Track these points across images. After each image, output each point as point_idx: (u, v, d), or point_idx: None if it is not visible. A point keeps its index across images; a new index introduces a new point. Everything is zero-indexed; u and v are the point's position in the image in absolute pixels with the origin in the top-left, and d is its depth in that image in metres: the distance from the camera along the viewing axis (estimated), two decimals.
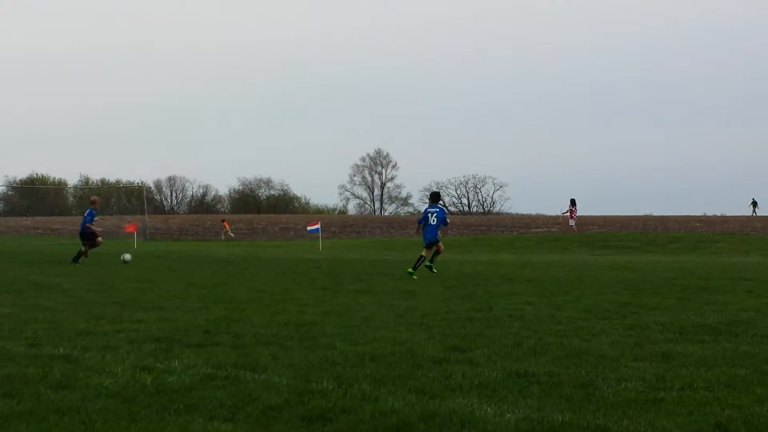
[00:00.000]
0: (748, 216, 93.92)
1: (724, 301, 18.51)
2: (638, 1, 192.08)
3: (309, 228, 57.05)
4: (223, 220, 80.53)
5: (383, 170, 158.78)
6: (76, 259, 33.65)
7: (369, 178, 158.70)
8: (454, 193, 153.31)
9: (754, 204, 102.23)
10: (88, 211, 34.75)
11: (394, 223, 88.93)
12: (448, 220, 28.42)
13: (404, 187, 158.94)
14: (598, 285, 23.27)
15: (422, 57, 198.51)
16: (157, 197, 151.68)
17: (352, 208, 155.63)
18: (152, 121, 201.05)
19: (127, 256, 34.86)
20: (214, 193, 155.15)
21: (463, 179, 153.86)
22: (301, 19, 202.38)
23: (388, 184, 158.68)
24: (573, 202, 65.77)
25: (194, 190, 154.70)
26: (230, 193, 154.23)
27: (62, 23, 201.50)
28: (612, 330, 13.86)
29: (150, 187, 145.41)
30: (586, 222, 79.41)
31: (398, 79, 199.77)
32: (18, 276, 26.22)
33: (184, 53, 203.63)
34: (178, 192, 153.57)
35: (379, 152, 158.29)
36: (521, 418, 8.01)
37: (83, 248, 34.22)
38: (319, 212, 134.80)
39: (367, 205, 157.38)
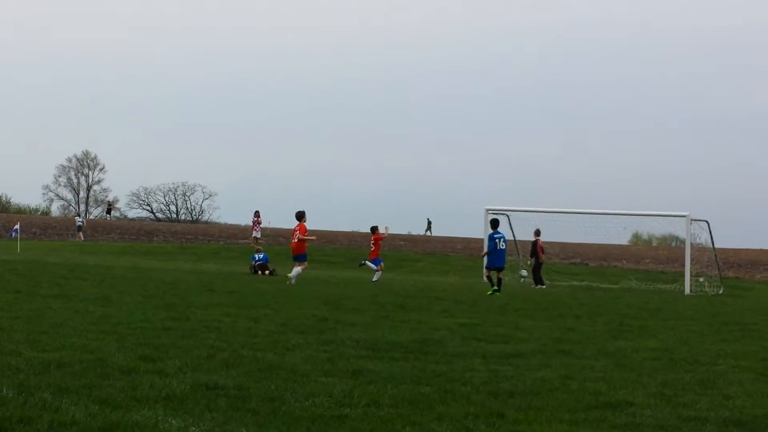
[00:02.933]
0: (427, 236, 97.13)
1: (419, 320, 18.99)
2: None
3: (14, 229, 55.14)
4: None
5: (90, 173, 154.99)
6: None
7: (75, 180, 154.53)
8: (162, 199, 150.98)
9: (429, 224, 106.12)
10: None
11: (99, 227, 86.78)
12: None
13: (111, 191, 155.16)
14: (299, 299, 23.44)
15: (134, 57, 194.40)
16: None
17: (55, 210, 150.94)
18: None
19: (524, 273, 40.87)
20: None
21: (172, 186, 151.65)
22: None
23: (95, 187, 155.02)
24: (257, 213, 65.85)
25: None
26: None
27: None
28: (307, 345, 13.96)
29: None
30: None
31: (107, 75, 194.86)
32: None
33: None
34: None
35: (86, 154, 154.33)
36: None
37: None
38: (20, 212, 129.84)
39: (71, 207, 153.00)
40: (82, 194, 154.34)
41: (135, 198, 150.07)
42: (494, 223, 32.41)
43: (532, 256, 42.83)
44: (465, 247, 73.45)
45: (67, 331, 14.11)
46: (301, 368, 11.57)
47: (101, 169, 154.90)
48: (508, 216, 45.61)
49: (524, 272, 44.07)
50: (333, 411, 9.01)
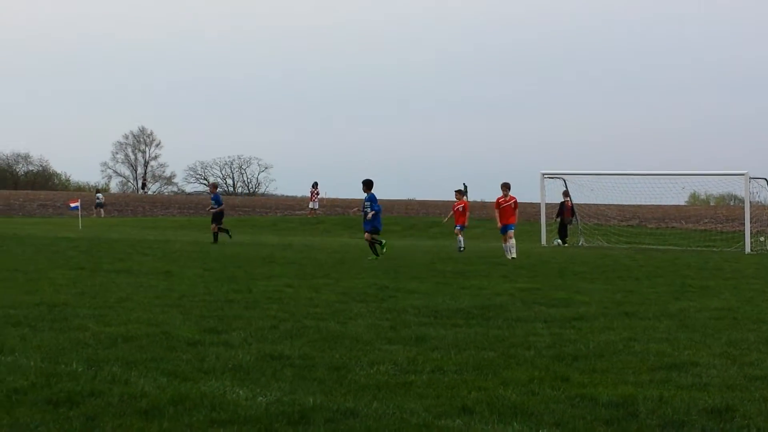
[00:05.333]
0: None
1: (479, 286, 18.99)
2: None
3: (71, 205, 55.53)
4: None
5: (147, 149, 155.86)
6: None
7: (132, 156, 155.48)
8: (219, 173, 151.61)
9: (465, 189, 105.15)
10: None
11: (158, 202, 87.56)
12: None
13: (168, 166, 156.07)
14: (357, 268, 23.53)
15: (185, 29, 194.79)
16: None
17: (114, 186, 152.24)
18: None
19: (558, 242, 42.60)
20: None
21: (228, 159, 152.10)
22: None
23: (152, 163, 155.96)
24: (315, 185, 66.15)
25: None
26: None
27: None
28: (369, 313, 14.04)
29: None
30: (351, 205, 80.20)
31: (164, 53, 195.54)
32: None
33: None
34: None
35: (143, 130, 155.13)
36: (273, 401, 8.01)
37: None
38: (80, 189, 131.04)
39: (129, 184, 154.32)
40: (140, 170, 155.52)
41: (192, 172, 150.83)
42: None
43: (557, 216, 43.82)
44: (522, 212, 73.23)
45: (131, 306, 14.31)
46: (365, 337, 11.65)
47: (157, 145, 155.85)
48: (564, 180, 45.36)
49: (558, 241, 43.89)
50: (398, 378, 9.08)
